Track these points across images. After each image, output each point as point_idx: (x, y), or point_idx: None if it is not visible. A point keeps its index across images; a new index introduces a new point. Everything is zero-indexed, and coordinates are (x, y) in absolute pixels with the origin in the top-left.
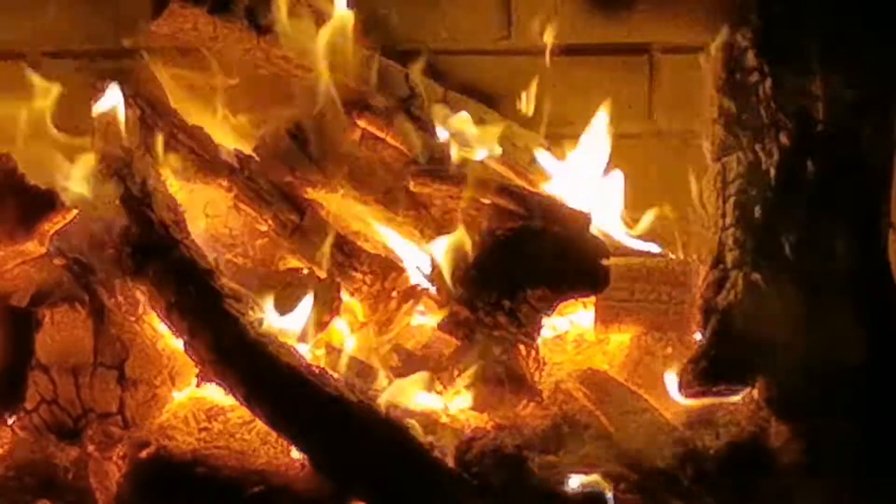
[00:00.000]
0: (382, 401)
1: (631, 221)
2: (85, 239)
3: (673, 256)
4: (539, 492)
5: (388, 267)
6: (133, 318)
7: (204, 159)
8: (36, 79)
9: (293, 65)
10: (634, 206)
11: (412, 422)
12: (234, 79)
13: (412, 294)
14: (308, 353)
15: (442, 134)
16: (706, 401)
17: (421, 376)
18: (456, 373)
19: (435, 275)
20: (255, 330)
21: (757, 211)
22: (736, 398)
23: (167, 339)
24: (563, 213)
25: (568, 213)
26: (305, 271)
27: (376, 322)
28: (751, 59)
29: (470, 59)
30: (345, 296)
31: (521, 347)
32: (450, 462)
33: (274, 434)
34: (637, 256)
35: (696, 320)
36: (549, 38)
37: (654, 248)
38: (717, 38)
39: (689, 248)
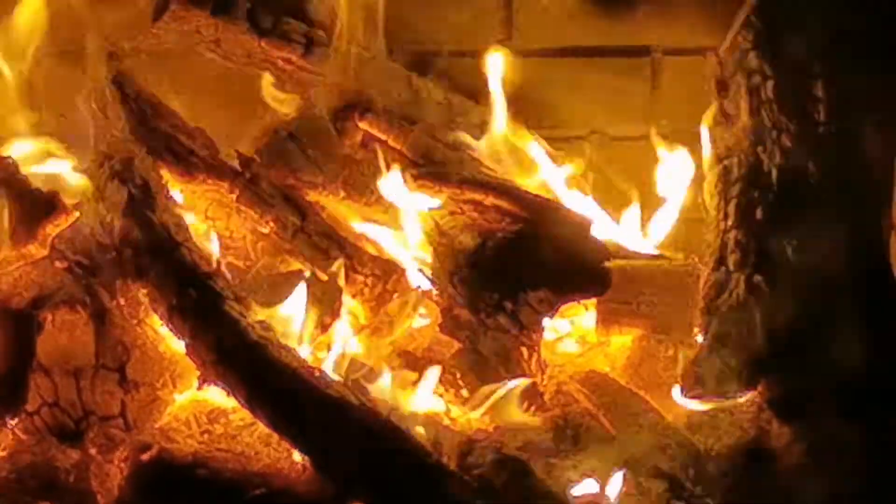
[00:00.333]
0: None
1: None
2: (86, 241)
3: (675, 258)
4: (540, 494)
5: (389, 269)
6: (134, 321)
7: (205, 161)
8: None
9: (294, 66)
10: (635, 208)
11: (418, 429)
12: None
13: (413, 296)
14: (309, 355)
15: (443, 136)
16: (707, 403)
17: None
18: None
19: (436, 277)
20: (257, 332)
21: (759, 213)
22: (737, 400)
23: (168, 341)
24: (564, 215)
25: (569, 215)
26: (307, 273)
27: (378, 324)
28: (752, 60)
29: (471, 60)
30: (346, 298)
31: (523, 349)
32: (451, 464)
33: (275, 436)
34: (638, 258)
35: (697, 322)
36: (550, 40)
37: (656, 250)
38: (722, 40)
39: (690, 249)
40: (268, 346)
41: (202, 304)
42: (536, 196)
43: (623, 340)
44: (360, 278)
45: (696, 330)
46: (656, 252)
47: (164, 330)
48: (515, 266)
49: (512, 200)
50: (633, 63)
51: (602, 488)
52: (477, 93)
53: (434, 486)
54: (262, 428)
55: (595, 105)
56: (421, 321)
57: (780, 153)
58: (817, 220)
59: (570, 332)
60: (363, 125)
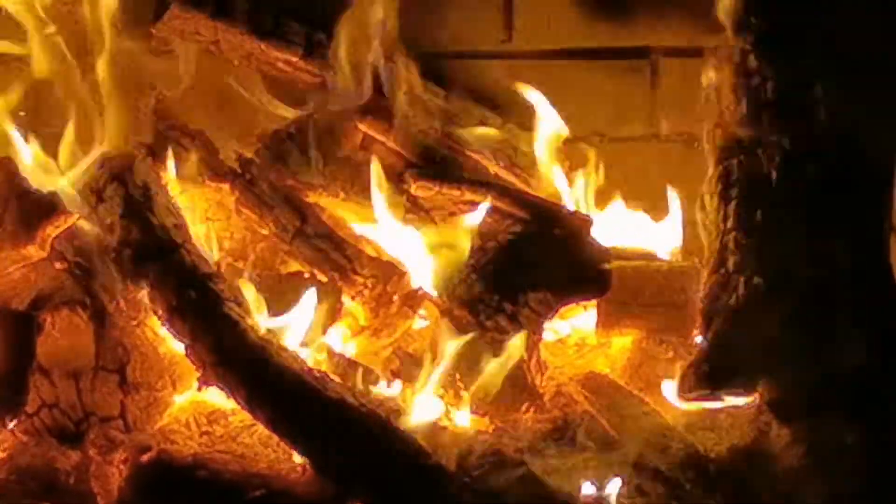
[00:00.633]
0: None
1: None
2: (86, 243)
3: (674, 260)
4: (540, 495)
5: (389, 271)
6: (134, 322)
7: (205, 162)
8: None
9: (295, 68)
10: (636, 209)
11: (418, 431)
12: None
13: (413, 298)
14: (309, 356)
15: (444, 137)
16: (707, 405)
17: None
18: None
19: (436, 278)
20: (257, 333)
21: (758, 214)
22: (737, 402)
23: (168, 342)
24: (564, 216)
25: (569, 216)
26: (307, 275)
27: (377, 326)
28: (752, 61)
29: (471, 62)
30: (346, 300)
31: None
32: (450, 465)
33: (275, 438)
34: (638, 260)
35: (697, 324)
36: (550, 41)
37: (656, 251)
38: (723, 41)
39: (690, 251)
40: (268, 347)
41: (202, 305)
42: (536, 197)
43: (623, 342)
44: (360, 280)
45: (695, 332)
46: (656, 253)
47: (163, 331)
48: (515, 267)
49: (512, 202)
50: (633, 64)
51: (602, 490)
52: (477, 94)
53: (434, 487)
54: (261, 429)
55: (595, 106)
56: (421, 322)
57: (780, 155)
58: (817, 221)
59: (570, 333)
60: (363, 126)
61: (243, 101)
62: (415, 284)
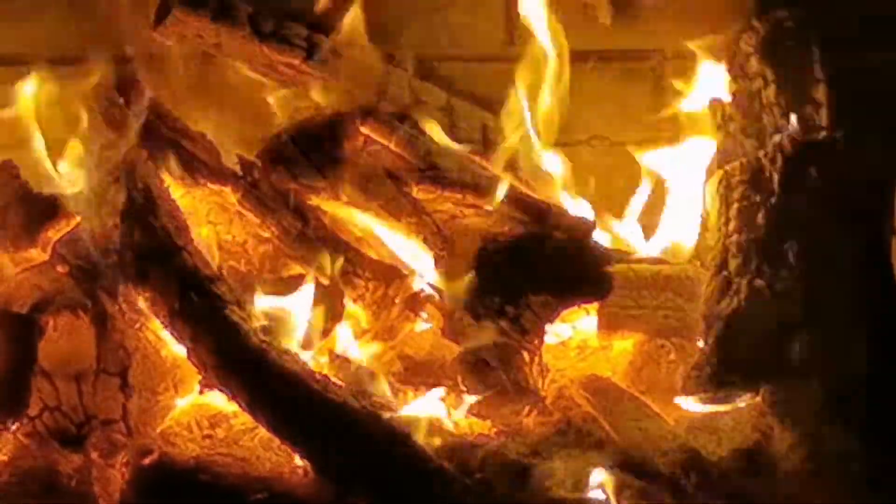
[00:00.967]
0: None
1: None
2: (88, 246)
3: (676, 263)
4: (542, 498)
5: (391, 274)
6: (136, 325)
7: (207, 165)
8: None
9: (296, 70)
10: (640, 211)
11: (420, 434)
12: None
13: (415, 301)
14: (311, 360)
15: (445, 141)
16: (709, 407)
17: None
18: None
19: (438, 281)
20: (258, 336)
21: (760, 217)
22: (739, 405)
23: (170, 345)
24: (566, 219)
25: (571, 219)
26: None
27: (379, 329)
28: (754, 64)
29: (473, 65)
30: (348, 303)
31: (525, 354)
32: (452, 468)
33: (276, 441)
34: (640, 263)
35: (699, 327)
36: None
37: (658, 254)
38: (723, 43)
39: (692, 254)
40: (269, 350)
41: (203, 308)
42: (538, 200)
43: (624, 345)
44: (362, 283)
45: (697, 335)
46: (658, 256)
47: (165, 334)
48: (517, 270)
49: (514, 205)
50: (635, 67)
51: (603, 493)
52: (479, 97)
53: (435, 490)
54: (263, 432)
55: (597, 110)
56: (423, 325)
57: (782, 157)
58: (819, 224)
59: (572, 336)
60: (365, 129)
61: (245, 104)
62: (416, 287)
